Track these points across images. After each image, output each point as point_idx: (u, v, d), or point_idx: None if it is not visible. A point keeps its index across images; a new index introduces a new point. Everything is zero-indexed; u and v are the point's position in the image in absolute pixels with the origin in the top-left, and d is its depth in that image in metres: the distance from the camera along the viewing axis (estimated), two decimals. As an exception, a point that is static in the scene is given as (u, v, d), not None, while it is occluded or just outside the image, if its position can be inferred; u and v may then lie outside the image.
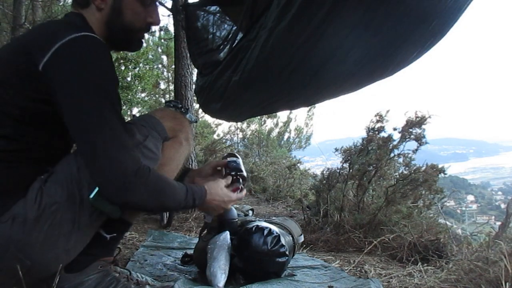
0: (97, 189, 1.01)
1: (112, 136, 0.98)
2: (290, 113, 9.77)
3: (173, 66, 3.35)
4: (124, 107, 6.96)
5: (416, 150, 2.49)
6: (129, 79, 7.31)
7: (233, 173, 1.39)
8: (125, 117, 1.38)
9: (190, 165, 3.16)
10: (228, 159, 1.43)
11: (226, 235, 1.43)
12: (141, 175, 1.00)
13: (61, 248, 1.03)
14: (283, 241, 1.43)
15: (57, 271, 1.04)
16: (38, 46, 0.99)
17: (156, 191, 1.05)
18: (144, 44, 6.03)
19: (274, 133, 9.63)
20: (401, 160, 2.62)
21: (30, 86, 0.99)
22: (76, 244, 1.07)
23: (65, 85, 0.97)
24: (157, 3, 1.27)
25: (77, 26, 1.08)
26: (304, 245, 2.27)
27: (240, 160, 1.44)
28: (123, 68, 7.10)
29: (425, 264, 1.82)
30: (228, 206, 1.31)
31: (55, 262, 1.03)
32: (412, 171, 2.47)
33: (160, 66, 9.37)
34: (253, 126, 9.08)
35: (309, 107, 9.22)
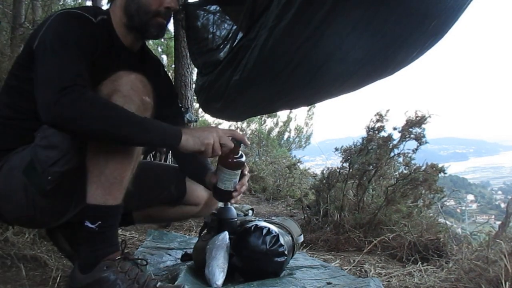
0: (30, 158, 1.11)
1: (60, 64, 1.04)
2: (290, 112, 9.76)
3: (173, 66, 3.35)
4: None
5: (416, 149, 2.50)
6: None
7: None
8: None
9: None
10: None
11: (225, 235, 1.44)
12: (78, 90, 1.00)
13: (19, 202, 1.15)
14: (282, 240, 1.43)
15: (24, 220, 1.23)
16: (37, 29, 1.16)
17: (100, 107, 1.01)
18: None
19: (274, 133, 9.62)
20: (401, 159, 2.62)
21: (28, 58, 1.14)
22: (36, 203, 1.15)
23: (38, 49, 1.09)
24: None
25: (75, 9, 1.20)
26: (304, 245, 2.28)
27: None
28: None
29: (425, 264, 1.83)
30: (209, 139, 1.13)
31: (16, 212, 1.19)
32: (412, 171, 2.47)
33: (160, 65, 9.33)
34: (253, 126, 9.08)
35: (309, 107, 9.21)
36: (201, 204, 1.59)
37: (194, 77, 2.82)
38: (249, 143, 1.22)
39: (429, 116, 2.43)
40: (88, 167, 1.10)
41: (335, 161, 2.96)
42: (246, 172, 1.35)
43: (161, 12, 1.24)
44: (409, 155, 2.55)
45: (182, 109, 1.35)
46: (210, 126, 1.20)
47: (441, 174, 2.46)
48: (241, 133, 1.27)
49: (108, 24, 1.26)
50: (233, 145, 1.19)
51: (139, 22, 1.24)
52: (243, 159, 1.28)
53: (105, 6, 1.40)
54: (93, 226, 1.12)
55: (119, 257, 1.16)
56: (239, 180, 1.32)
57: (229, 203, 1.45)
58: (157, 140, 1.11)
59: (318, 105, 9.44)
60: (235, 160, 1.25)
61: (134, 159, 1.15)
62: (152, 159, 5.13)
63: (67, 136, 1.10)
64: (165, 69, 1.55)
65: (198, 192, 1.57)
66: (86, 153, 1.10)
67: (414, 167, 2.49)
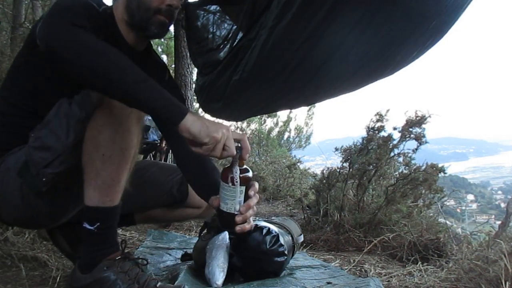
0: (24, 159, 1.09)
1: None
2: (290, 112, 9.77)
3: (173, 66, 3.35)
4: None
5: (416, 149, 2.50)
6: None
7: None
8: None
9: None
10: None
11: (225, 235, 1.44)
12: (73, 22, 0.96)
13: (16, 203, 1.14)
14: (282, 240, 1.43)
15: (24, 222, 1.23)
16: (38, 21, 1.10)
17: (104, 47, 0.94)
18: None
19: (274, 133, 9.62)
20: (401, 159, 2.63)
21: (28, 50, 1.14)
22: (33, 204, 1.14)
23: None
24: None
25: None
26: (304, 245, 2.28)
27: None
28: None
29: (425, 263, 1.82)
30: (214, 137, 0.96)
31: (14, 213, 1.18)
32: (412, 171, 2.48)
33: (160, 65, 9.32)
34: (253, 126, 9.08)
35: (309, 107, 9.22)
36: (203, 207, 1.56)
37: (194, 77, 2.81)
38: (247, 157, 1.07)
39: (429, 116, 2.43)
40: (84, 168, 1.09)
41: (335, 161, 2.96)
42: (252, 193, 1.11)
43: (162, 10, 1.20)
44: (409, 155, 2.55)
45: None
46: (221, 123, 1.04)
47: (441, 174, 2.46)
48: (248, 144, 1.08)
49: (112, 18, 1.23)
50: (235, 152, 1.01)
51: (139, 20, 1.20)
52: (249, 174, 1.09)
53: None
54: (91, 227, 1.12)
55: (119, 257, 1.15)
56: (244, 201, 1.10)
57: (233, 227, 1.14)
58: (156, 105, 0.95)
59: (318, 105, 9.46)
60: (235, 173, 1.06)
61: (130, 160, 1.13)
62: (152, 159, 5.14)
63: (61, 137, 1.07)
64: (171, 75, 1.49)
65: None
66: (81, 154, 1.09)
67: (414, 167, 2.50)
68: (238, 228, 1.11)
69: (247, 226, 1.12)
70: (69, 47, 0.93)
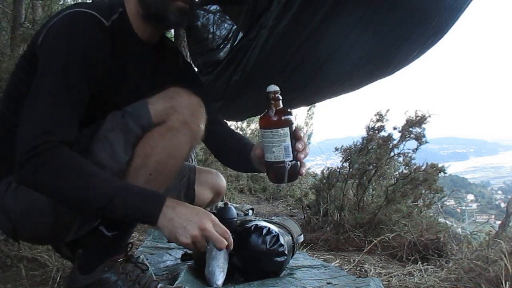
0: None
1: (41, 109, 0.93)
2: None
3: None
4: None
5: (416, 149, 2.50)
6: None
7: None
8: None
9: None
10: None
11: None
12: (46, 151, 0.89)
13: (39, 219, 1.03)
14: (282, 240, 1.43)
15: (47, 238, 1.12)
16: (42, 28, 1.03)
17: (65, 175, 0.90)
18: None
19: (274, 132, 9.61)
20: (401, 159, 2.63)
21: (31, 62, 1.02)
22: (58, 218, 1.04)
23: (40, 61, 0.99)
24: None
25: (86, 4, 1.06)
26: (304, 244, 2.28)
27: None
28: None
29: (425, 263, 1.82)
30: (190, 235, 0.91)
31: (35, 230, 1.06)
32: (412, 170, 2.48)
33: (160, 65, 9.30)
34: (253, 126, 9.06)
35: (309, 106, 9.21)
36: (207, 202, 1.55)
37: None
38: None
39: (429, 116, 2.43)
40: (123, 177, 1.04)
41: (335, 161, 2.96)
42: (300, 134, 1.01)
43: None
44: (409, 154, 2.55)
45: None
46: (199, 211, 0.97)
47: (441, 174, 2.46)
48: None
49: (124, 20, 1.11)
50: (225, 243, 0.94)
51: (156, 10, 1.08)
52: (290, 115, 0.99)
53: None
54: (108, 233, 1.08)
55: (122, 259, 1.15)
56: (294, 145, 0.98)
57: (279, 184, 1.06)
58: (127, 218, 0.94)
59: (318, 105, 9.42)
60: (273, 115, 0.96)
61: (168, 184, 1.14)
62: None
63: (119, 155, 1.03)
64: (185, 58, 1.41)
65: (205, 195, 1.52)
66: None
67: (414, 166, 2.50)
68: (303, 171, 1.02)
69: (303, 171, 1.03)
70: (39, 191, 0.93)
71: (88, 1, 1.75)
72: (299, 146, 1.00)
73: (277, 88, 0.99)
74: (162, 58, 1.25)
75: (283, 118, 0.97)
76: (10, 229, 1.07)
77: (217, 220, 0.96)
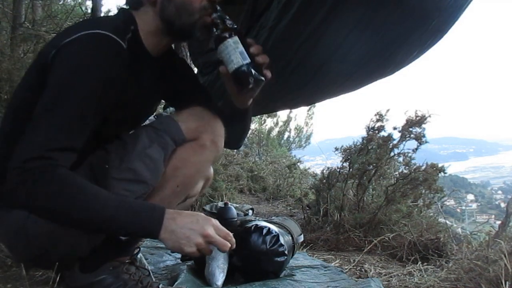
0: None
1: (47, 127, 0.89)
2: (290, 112, 9.75)
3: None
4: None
5: (416, 149, 2.50)
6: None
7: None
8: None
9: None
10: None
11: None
12: (40, 172, 0.85)
13: (62, 240, 1.00)
14: (282, 240, 1.43)
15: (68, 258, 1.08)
16: (53, 43, 1.00)
17: (57, 196, 0.86)
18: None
19: (274, 132, 9.61)
20: (401, 159, 2.62)
21: (40, 79, 0.97)
22: (81, 239, 1.03)
23: (50, 82, 0.94)
24: None
25: (102, 23, 1.03)
26: (304, 244, 2.28)
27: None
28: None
29: (425, 263, 1.83)
30: (194, 243, 0.93)
31: (57, 251, 1.03)
32: (412, 170, 2.47)
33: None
34: (253, 125, 9.06)
35: (309, 106, 9.21)
36: (197, 194, 1.49)
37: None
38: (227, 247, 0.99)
39: (429, 116, 2.43)
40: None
41: (335, 161, 2.96)
42: (251, 40, 1.08)
43: (205, 8, 1.06)
44: (409, 154, 2.55)
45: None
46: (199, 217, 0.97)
47: (441, 174, 2.46)
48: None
49: (136, 38, 1.08)
50: (228, 245, 0.97)
51: (180, 26, 1.07)
52: (233, 23, 1.07)
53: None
54: (121, 237, 1.08)
55: (127, 261, 1.17)
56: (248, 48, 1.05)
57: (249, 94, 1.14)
58: (129, 235, 1.00)
59: (318, 105, 9.43)
60: (223, 30, 1.05)
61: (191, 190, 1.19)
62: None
63: (158, 169, 1.05)
64: (189, 66, 1.44)
65: (198, 185, 1.52)
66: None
67: (414, 166, 2.50)
68: (265, 73, 1.07)
69: (268, 74, 1.08)
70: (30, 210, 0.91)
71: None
72: (252, 49, 1.06)
73: (219, 12, 1.07)
74: (170, 68, 1.26)
75: (229, 28, 1.06)
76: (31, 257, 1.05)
77: (217, 223, 0.98)
